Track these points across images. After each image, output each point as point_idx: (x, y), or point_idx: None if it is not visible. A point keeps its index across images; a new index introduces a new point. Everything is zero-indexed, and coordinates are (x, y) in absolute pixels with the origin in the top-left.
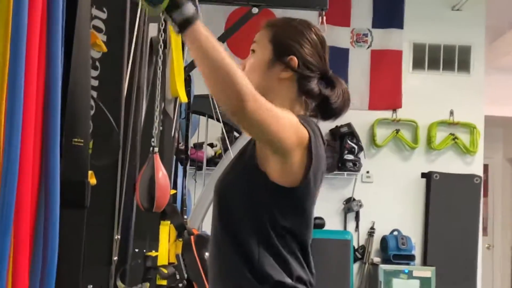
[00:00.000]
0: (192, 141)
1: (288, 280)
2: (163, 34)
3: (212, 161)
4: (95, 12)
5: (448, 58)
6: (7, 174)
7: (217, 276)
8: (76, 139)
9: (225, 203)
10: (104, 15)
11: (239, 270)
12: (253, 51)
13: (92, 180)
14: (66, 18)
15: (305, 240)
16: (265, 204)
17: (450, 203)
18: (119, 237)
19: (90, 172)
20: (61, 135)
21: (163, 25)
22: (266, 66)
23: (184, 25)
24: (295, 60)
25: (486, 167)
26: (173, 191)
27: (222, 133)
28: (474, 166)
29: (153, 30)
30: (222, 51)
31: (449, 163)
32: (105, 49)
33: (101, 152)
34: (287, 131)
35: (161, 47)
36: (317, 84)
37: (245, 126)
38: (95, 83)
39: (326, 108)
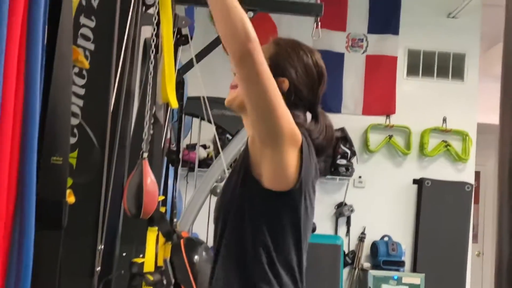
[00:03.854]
0: (185, 142)
1: None
2: (155, 39)
3: (205, 163)
4: (83, 20)
5: (443, 65)
6: None
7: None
8: (55, 157)
9: (226, 218)
10: (92, 24)
11: (231, 281)
12: None
13: (71, 199)
14: (48, 34)
15: (302, 253)
16: (263, 212)
17: (441, 210)
18: (102, 246)
19: (68, 190)
20: (40, 153)
21: (155, 30)
22: None
23: None
24: (286, 83)
25: (478, 174)
26: (161, 198)
27: (215, 135)
28: (465, 174)
29: (147, 31)
30: None
31: (441, 170)
32: (87, 65)
33: (82, 168)
34: (285, 118)
35: (152, 52)
36: (302, 114)
37: (246, 76)
38: (81, 91)
39: None
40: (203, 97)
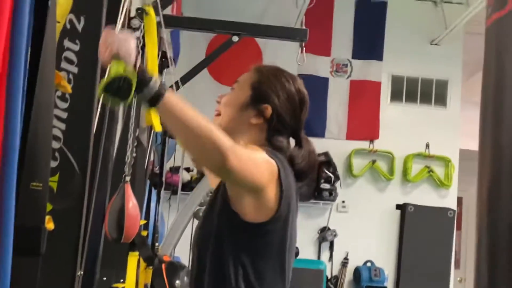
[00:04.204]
0: (168, 164)
1: None
2: (139, 62)
3: (188, 186)
4: (67, 44)
5: (426, 92)
6: None
7: None
8: (34, 183)
9: (206, 251)
10: (76, 47)
11: None
12: (233, 89)
13: (49, 225)
14: (31, 57)
15: (285, 281)
16: (244, 244)
17: (424, 236)
18: (82, 272)
19: (47, 217)
20: (19, 178)
21: (140, 53)
22: (239, 106)
23: (154, 101)
24: (269, 110)
25: (460, 200)
26: (143, 221)
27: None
28: (448, 199)
29: None
30: (196, 115)
31: (424, 196)
32: (69, 90)
33: (63, 193)
34: (262, 171)
35: None
36: (285, 140)
37: (229, 179)
38: (63, 115)
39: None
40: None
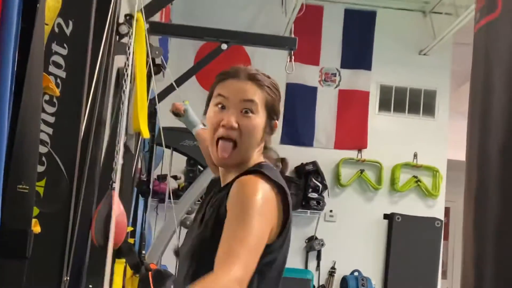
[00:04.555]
0: (156, 172)
1: None
2: (128, 68)
3: (175, 194)
4: (55, 48)
5: (414, 101)
6: None
7: None
8: (21, 186)
9: (202, 263)
10: (64, 51)
11: None
12: (251, 111)
13: (36, 228)
14: (18, 60)
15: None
16: None
17: (411, 246)
18: (68, 278)
19: (34, 220)
20: (6, 181)
21: (129, 60)
22: (263, 130)
23: None
24: (277, 125)
25: (447, 210)
26: (130, 229)
27: (187, 166)
28: (435, 209)
29: (120, 60)
30: None
31: (412, 206)
32: (57, 93)
33: (50, 197)
34: (264, 238)
35: (125, 81)
36: None
37: None
38: (51, 119)
39: None
40: (161, 128)
